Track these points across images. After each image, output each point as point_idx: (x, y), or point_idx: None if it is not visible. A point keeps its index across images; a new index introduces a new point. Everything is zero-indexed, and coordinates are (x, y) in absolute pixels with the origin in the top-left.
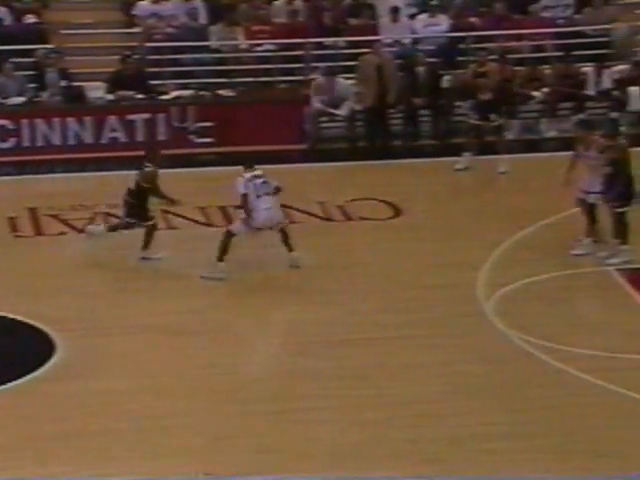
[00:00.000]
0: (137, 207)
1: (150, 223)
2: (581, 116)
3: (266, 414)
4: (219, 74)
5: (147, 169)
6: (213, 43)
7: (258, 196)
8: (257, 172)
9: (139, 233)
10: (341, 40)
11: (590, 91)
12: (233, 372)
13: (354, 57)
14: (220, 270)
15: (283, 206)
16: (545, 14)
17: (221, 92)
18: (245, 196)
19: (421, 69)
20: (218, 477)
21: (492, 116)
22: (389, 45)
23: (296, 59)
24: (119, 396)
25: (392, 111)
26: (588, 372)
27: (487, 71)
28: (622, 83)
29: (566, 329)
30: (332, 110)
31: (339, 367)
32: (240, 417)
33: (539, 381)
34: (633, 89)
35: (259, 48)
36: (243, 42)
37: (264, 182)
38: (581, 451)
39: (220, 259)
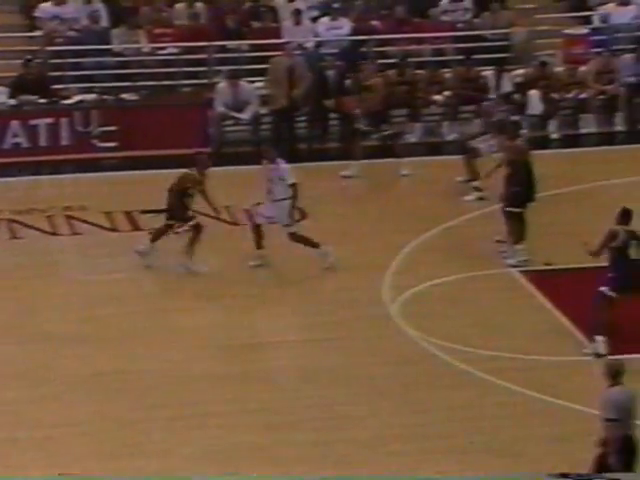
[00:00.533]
0: (175, 209)
1: (191, 224)
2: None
3: (169, 419)
4: (122, 78)
5: (189, 172)
6: (115, 46)
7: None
8: None
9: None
10: (244, 43)
11: (491, 95)
12: (138, 378)
13: (257, 60)
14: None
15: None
16: (445, 18)
17: (124, 96)
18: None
19: (330, 73)
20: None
21: (383, 126)
22: (294, 49)
23: (199, 62)
24: (18, 405)
25: (299, 114)
26: (492, 373)
27: (372, 85)
28: (522, 87)
29: (470, 330)
30: (236, 114)
31: (245, 371)
32: (143, 423)
33: (444, 382)
34: (533, 93)
35: (162, 51)
36: (146, 45)
37: None
38: (483, 451)
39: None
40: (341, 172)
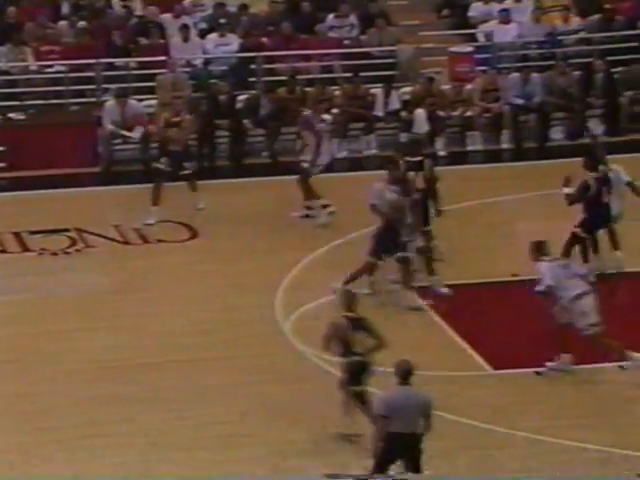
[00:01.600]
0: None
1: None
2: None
3: (57, 442)
4: (9, 97)
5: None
6: (2, 65)
7: None
8: None
9: None
10: (132, 61)
11: (379, 112)
12: (34, 401)
13: (145, 78)
14: None
15: (78, 230)
16: (331, 34)
17: (12, 115)
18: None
19: (219, 95)
20: None
21: (186, 164)
22: (181, 65)
23: (87, 80)
24: None
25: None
26: (383, 389)
27: (181, 121)
28: (410, 104)
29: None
30: (124, 132)
31: (139, 391)
32: (31, 445)
33: (337, 399)
34: (419, 111)
35: (49, 69)
36: (33, 63)
37: None
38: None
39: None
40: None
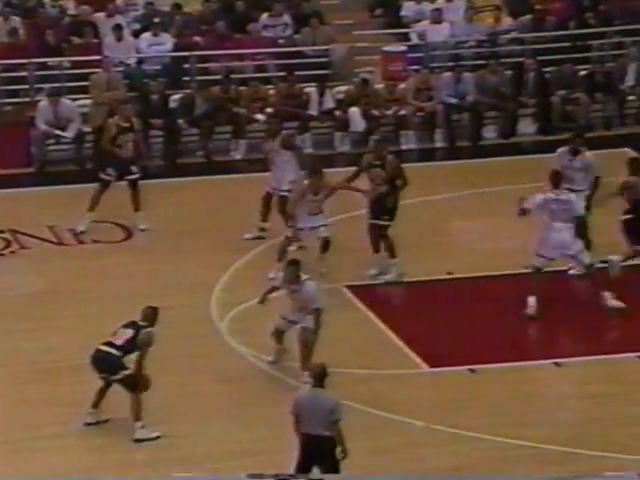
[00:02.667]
0: None
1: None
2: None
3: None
4: None
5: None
6: None
7: None
8: None
9: None
10: (65, 60)
11: (313, 111)
12: None
13: (79, 77)
14: None
15: (12, 231)
16: (265, 34)
17: None
18: None
19: (153, 95)
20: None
21: (133, 168)
22: (115, 65)
23: (20, 80)
24: None
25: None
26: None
27: (132, 126)
28: (344, 103)
29: (297, 346)
30: (58, 132)
31: (73, 393)
32: None
33: (274, 398)
34: (353, 110)
35: None
36: None
37: None
38: None
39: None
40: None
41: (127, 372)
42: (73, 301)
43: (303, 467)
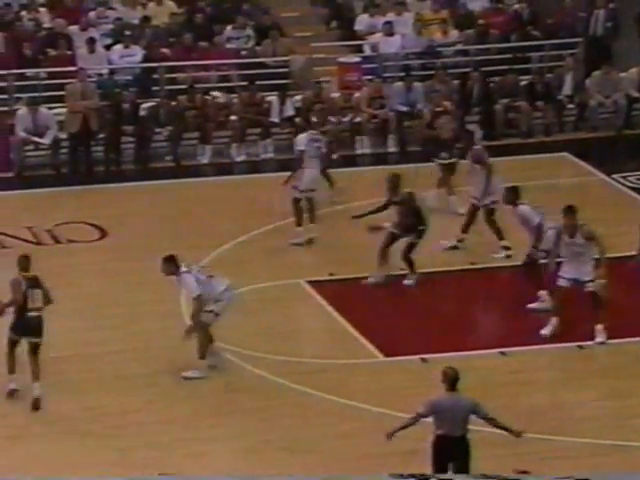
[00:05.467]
0: None
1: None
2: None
3: None
4: None
5: None
6: None
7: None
8: None
9: None
10: (42, 71)
11: (274, 118)
12: None
13: (55, 87)
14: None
15: None
16: (229, 45)
17: None
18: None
19: (124, 103)
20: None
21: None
22: (89, 75)
23: None
24: None
25: (95, 138)
26: (284, 377)
27: None
28: (302, 111)
29: (263, 338)
30: (36, 139)
31: (51, 383)
32: None
33: (239, 386)
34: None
35: None
36: None
37: None
38: (280, 449)
39: None
40: None
41: None
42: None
43: (440, 467)
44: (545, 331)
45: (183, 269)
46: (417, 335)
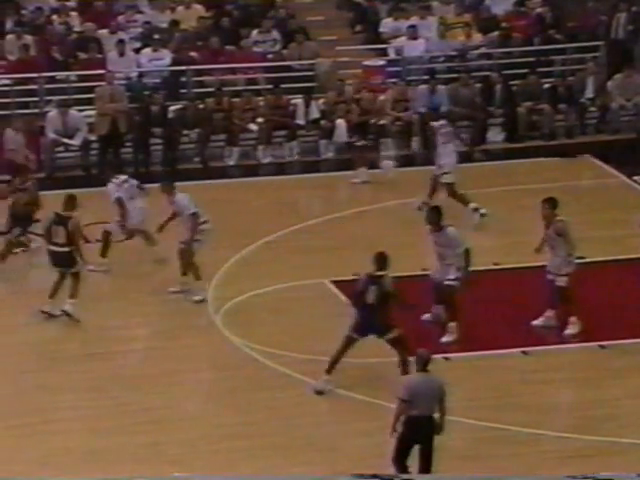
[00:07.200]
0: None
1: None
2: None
3: (7, 428)
4: None
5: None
6: None
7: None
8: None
9: None
10: (72, 74)
11: (300, 121)
12: None
13: (84, 90)
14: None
15: (24, 231)
16: (256, 49)
17: None
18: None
19: (153, 106)
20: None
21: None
22: (118, 78)
23: (31, 93)
24: None
25: (124, 140)
26: (308, 375)
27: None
28: (327, 113)
29: (288, 336)
30: (66, 140)
31: (79, 380)
32: None
33: (266, 384)
34: (339, 121)
35: None
36: None
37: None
38: (304, 446)
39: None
40: None
41: None
42: (82, 295)
43: (406, 448)
44: (569, 331)
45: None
46: (440, 334)
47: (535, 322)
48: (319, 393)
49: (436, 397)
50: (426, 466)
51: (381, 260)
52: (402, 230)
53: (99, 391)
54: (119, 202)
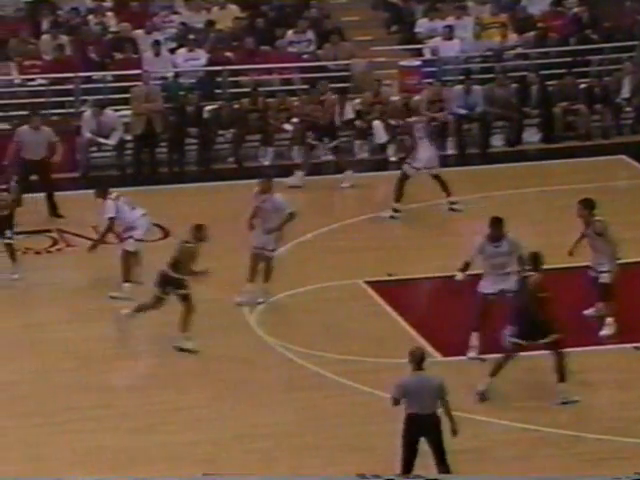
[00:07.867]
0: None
1: (183, 292)
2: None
3: (39, 426)
4: None
5: (187, 245)
6: None
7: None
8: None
9: None
10: (108, 74)
11: (335, 121)
12: (9, 389)
13: (120, 90)
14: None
15: (60, 231)
16: (291, 49)
17: None
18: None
19: (188, 106)
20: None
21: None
22: (154, 78)
23: (66, 93)
24: None
25: (159, 139)
26: (342, 375)
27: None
28: (362, 113)
29: (322, 337)
30: (102, 140)
31: (115, 378)
32: (15, 429)
33: (299, 384)
34: (376, 123)
35: (32, 82)
36: (16, 77)
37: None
38: (337, 447)
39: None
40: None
41: None
42: (106, 295)
43: (409, 445)
44: (605, 332)
45: (110, 197)
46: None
47: (587, 312)
48: (482, 397)
49: (434, 396)
50: (441, 462)
51: (534, 259)
52: (435, 230)
53: (133, 390)
54: (110, 221)
